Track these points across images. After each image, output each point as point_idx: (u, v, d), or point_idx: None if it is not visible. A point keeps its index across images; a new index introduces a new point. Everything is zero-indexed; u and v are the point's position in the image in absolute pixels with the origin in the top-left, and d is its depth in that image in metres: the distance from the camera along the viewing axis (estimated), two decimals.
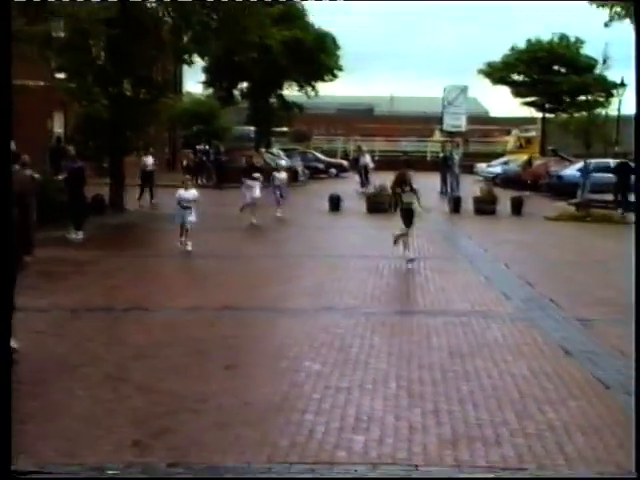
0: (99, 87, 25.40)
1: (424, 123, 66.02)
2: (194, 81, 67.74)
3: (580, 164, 34.06)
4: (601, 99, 58.22)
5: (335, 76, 53.37)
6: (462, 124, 33.08)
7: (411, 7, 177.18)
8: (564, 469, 6.01)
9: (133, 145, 27.36)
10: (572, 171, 35.57)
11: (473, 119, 46.75)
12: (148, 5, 26.13)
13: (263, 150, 34.13)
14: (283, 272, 15.33)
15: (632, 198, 28.16)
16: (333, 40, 51.49)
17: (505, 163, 49.20)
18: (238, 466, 5.94)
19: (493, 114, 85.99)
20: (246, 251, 18.31)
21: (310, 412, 7.13)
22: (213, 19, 25.96)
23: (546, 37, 60.85)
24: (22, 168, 9.55)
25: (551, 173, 38.82)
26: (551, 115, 62.22)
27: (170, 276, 15.22)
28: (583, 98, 59.90)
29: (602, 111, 55.05)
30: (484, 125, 67.52)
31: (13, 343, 7.46)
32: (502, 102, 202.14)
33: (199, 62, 31.82)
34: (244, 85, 52.81)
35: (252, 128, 54.97)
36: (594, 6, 32.32)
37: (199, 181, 37.38)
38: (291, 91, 53.79)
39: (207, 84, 53.33)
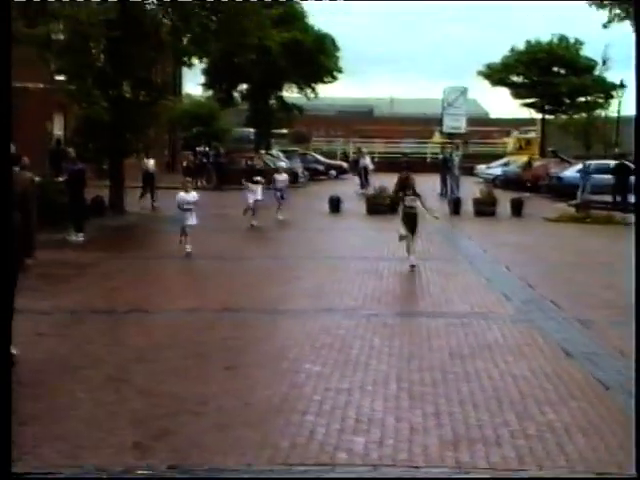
0: (99, 89, 25.40)
1: (424, 125, 66.04)
2: (194, 83, 67.83)
3: (580, 165, 34.11)
4: (600, 100, 58.33)
5: (335, 78, 53.45)
6: (462, 126, 33.18)
7: (411, 8, 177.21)
8: (565, 470, 6.02)
9: (133, 147, 27.36)
10: (572, 172, 35.59)
11: (473, 120, 46.80)
12: (147, 7, 26.14)
13: (263, 152, 34.13)
14: (283, 274, 15.32)
15: (632, 199, 28.19)
16: (332, 42, 51.55)
17: (505, 164, 49.20)
18: (239, 468, 5.94)
19: (493, 115, 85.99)
20: (246, 253, 18.30)
21: (311, 413, 7.13)
22: (212, 21, 26.00)
23: (545, 38, 60.99)
24: (22, 170, 9.54)
25: (551, 174, 38.81)
26: (551, 116, 62.30)
27: (170, 278, 15.22)
28: (583, 99, 60.02)
29: (602, 112, 55.25)
30: (484, 126, 67.48)
31: (12, 350, 7.46)
32: (502, 103, 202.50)
33: (198, 64, 31.82)
34: (244, 87, 52.88)
35: (252, 130, 55.02)
36: (593, 7, 32.36)
37: (199, 183, 37.38)
38: (291, 93, 53.89)
39: (207, 86, 53.38)
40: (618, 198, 29.78)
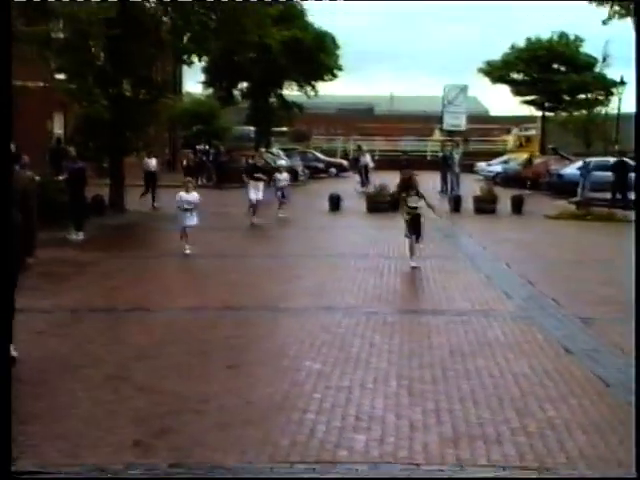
0: (99, 88, 25.40)
1: (424, 122, 66.00)
2: (194, 81, 67.80)
3: (580, 163, 34.10)
4: (601, 97, 58.37)
5: (335, 76, 53.39)
6: (462, 123, 33.18)
7: (410, 6, 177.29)
8: (565, 467, 6.02)
9: (133, 146, 27.35)
10: (572, 170, 35.56)
11: (473, 118, 46.83)
12: (147, 5, 26.13)
13: (263, 150, 34.11)
14: (284, 272, 15.33)
15: (632, 196, 28.19)
16: (332, 39, 51.50)
17: (505, 162, 49.20)
18: (240, 466, 5.95)
19: (493, 113, 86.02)
20: (247, 251, 18.31)
21: (311, 411, 7.14)
22: (212, 19, 25.97)
23: (546, 35, 60.99)
24: (22, 169, 9.54)
25: (551, 172, 38.81)
26: (551, 114, 62.33)
27: (171, 276, 15.22)
28: (583, 96, 60.07)
29: (602, 109, 55.26)
30: (484, 124, 67.47)
31: (12, 352, 7.47)
32: (502, 101, 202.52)
33: (198, 62, 31.78)
34: (244, 85, 52.83)
35: (252, 128, 54.99)
36: (594, 4, 32.34)
37: (199, 181, 37.37)
38: (291, 91, 53.85)
39: (207, 84, 53.35)
40: (618, 195, 29.76)
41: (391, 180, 29.82)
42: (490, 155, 54.88)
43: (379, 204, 26.89)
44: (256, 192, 23.39)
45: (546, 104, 61.98)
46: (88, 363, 8.60)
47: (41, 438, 6.39)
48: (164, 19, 26.35)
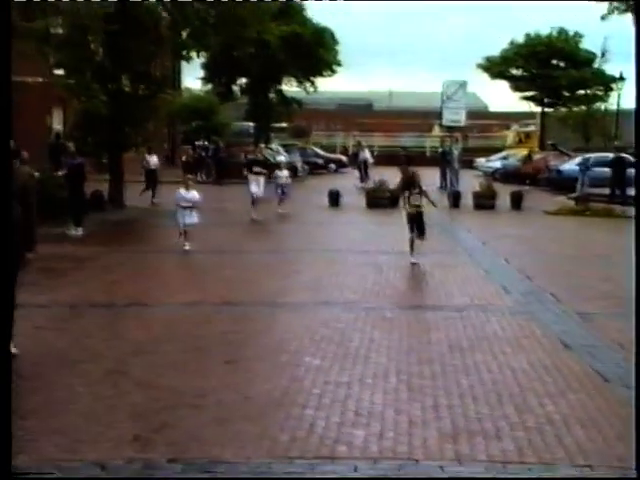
0: (98, 83, 25.36)
1: (423, 118, 65.97)
2: (193, 77, 67.61)
3: (579, 158, 34.11)
4: (600, 93, 58.38)
5: (334, 71, 53.34)
6: (461, 119, 33.11)
7: (409, 2, 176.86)
8: (564, 462, 6.02)
9: (132, 141, 27.32)
10: (571, 165, 35.57)
11: (472, 114, 46.68)
12: (146, 1, 26.08)
13: (262, 146, 34.05)
14: (283, 267, 15.33)
15: (631, 192, 28.19)
16: (332, 35, 51.44)
17: (504, 158, 49.17)
18: (238, 461, 5.95)
19: (492, 109, 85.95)
20: (245, 246, 18.31)
21: (310, 407, 7.14)
22: (211, 15, 25.93)
23: (545, 31, 60.95)
24: (22, 164, 9.53)
25: (550, 167, 38.80)
26: (550, 109, 62.34)
27: (169, 272, 15.22)
28: (582, 92, 60.07)
29: (601, 105, 55.26)
30: (483, 120, 67.43)
31: (12, 349, 7.46)
32: (501, 97, 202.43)
33: (198, 58, 31.74)
34: (243, 81, 52.76)
35: (251, 124, 54.93)
36: (593, 2, 32.31)
37: (198, 177, 37.36)
38: (290, 87, 53.78)
39: (206, 80, 53.28)
40: (617, 191, 29.77)
41: (390, 176, 29.88)
42: (489, 151, 54.84)
43: (378, 200, 26.88)
44: (257, 186, 23.41)
45: (545, 100, 61.99)
46: (86, 358, 8.60)
47: (39, 433, 6.39)
48: (163, 15, 26.31)
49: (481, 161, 50.64)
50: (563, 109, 60.64)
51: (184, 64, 39.97)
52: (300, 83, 52.96)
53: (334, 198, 28.03)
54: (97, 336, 9.67)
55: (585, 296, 12.60)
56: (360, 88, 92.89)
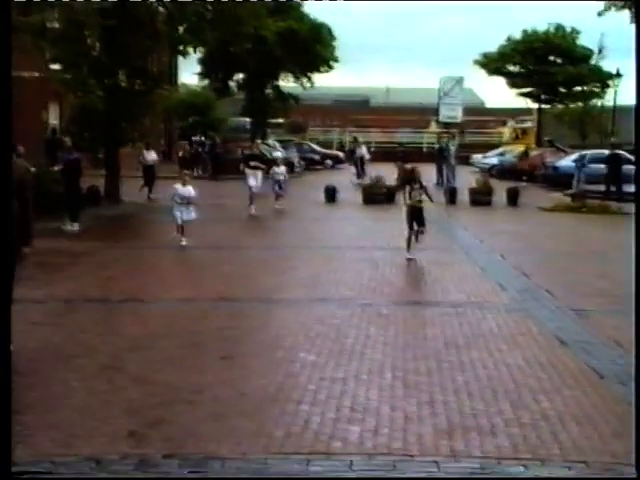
0: (94, 78, 25.32)
1: (420, 114, 65.93)
2: (189, 72, 67.66)
3: (576, 155, 34.13)
4: (597, 90, 58.40)
5: (331, 67, 53.32)
6: (458, 115, 33.18)
7: None
8: (558, 458, 6.03)
9: (128, 136, 27.30)
10: (568, 162, 35.60)
11: (469, 110, 46.79)
12: None
13: (259, 141, 34.10)
14: (279, 263, 15.33)
15: (628, 188, 28.25)
16: (328, 31, 51.41)
17: (501, 154, 49.16)
18: (234, 456, 5.95)
19: (489, 105, 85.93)
20: (242, 242, 18.31)
21: (306, 403, 7.14)
22: (208, 10, 25.91)
23: (542, 28, 60.98)
24: (18, 159, 9.52)
25: (547, 164, 38.82)
26: (547, 106, 62.38)
27: (166, 267, 15.22)
28: (579, 89, 60.11)
29: (598, 102, 55.27)
30: (480, 116, 67.41)
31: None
32: (498, 93, 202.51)
33: (194, 53, 31.70)
34: (240, 76, 52.75)
35: (248, 119, 54.90)
36: None
37: (195, 172, 37.33)
38: (287, 82, 53.77)
39: (202, 75, 53.24)
40: (612, 188, 29.81)
41: (387, 172, 29.93)
42: (486, 147, 54.82)
43: (375, 196, 26.89)
44: (255, 180, 23.41)
45: (542, 96, 62.03)
46: (82, 353, 8.60)
47: (35, 428, 6.39)
48: (160, 9, 26.27)
49: (477, 157, 50.64)
50: (560, 105, 60.68)
51: (181, 59, 40.12)
52: (297, 79, 52.93)
53: (330, 194, 28.02)
54: (93, 331, 9.66)
55: (581, 293, 12.61)
56: (357, 84, 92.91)
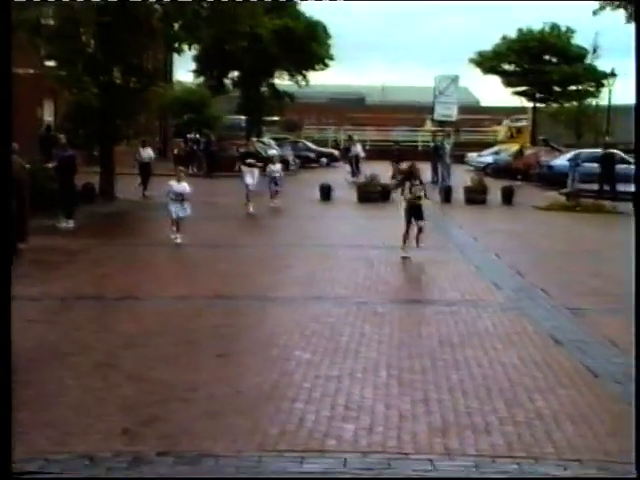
0: (89, 75, 25.26)
1: (415, 113, 65.89)
2: (185, 70, 67.45)
3: (571, 154, 34.18)
4: (591, 89, 58.48)
5: (326, 65, 53.31)
6: (453, 114, 33.07)
7: None
8: (553, 457, 6.04)
9: (123, 134, 27.24)
10: (562, 161, 35.62)
11: (464, 109, 46.73)
12: None
13: (254, 139, 34.03)
14: (274, 261, 15.32)
15: (623, 188, 28.28)
16: (324, 29, 51.39)
17: (496, 153, 49.14)
18: (228, 454, 5.95)
19: (484, 104, 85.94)
20: (237, 240, 18.29)
21: (300, 401, 7.15)
22: (204, 7, 25.86)
23: (537, 27, 61.00)
24: (14, 156, 9.52)
25: (542, 163, 38.83)
26: (542, 105, 62.40)
27: (161, 265, 15.20)
28: (574, 88, 60.16)
29: (592, 101, 55.35)
30: (475, 115, 67.42)
31: None
32: (493, 92, 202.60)
33: (189, 51, 31.68)
34: (235, 74, 52.69)
35: (243, 117, 54.86)
36: None
37: (190, 170, 37.30)
38: (282, 80, 53.73)
39: (198, 73, 53.20)
40: (605, 187, 29.84)
41: (382, 170, 29.93)
42: (481, 146, 54.78)
43: (370, 194, 26.89)
44: (252, 177, 23.38)
45: (537, 95, 62.06)
46: (77, 351, 8.59)
47: (30, 426, 6.38)
48: (155, 7, 26.22)
49: (472, 156, 50.62)
50: (555, 105, 60.76)
51: (176, 57, 39.92)
52: (292, 77, 52.91)
53: (325, 192, 28.00)
54: (88, 329, 9.65)
55: (575, 292, 12.62)
56: (352, 82, 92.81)
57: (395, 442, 6.28)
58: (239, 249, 16.80)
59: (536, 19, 76.13)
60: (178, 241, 16.59)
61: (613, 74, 46.27)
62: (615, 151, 32.31)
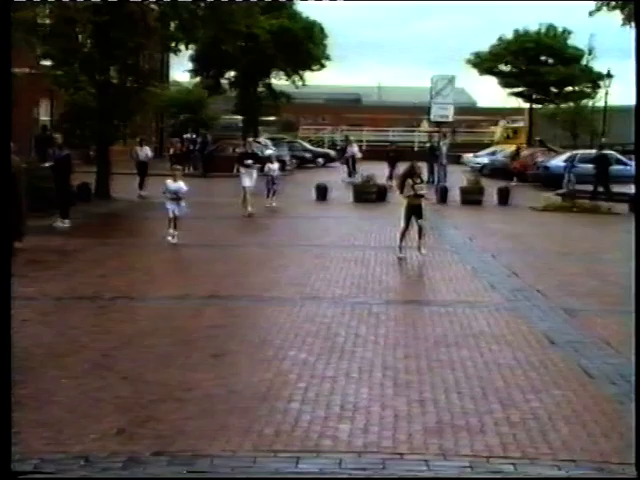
0: (85, 75, 25.26)
1: (412, 113, 66.02)
2: (181, 70, 67.42)
3: (567, 155, 34.25)
4: (588, 90, 58.58)
5: (323, 65, 53.39)
6: (449, 114, 33.08)
7: None
8: (548, 457, 6.04)
9: (120, 133, 27.25)
10: (558, 162, 35.69)
11: (460, 109, 46.70)
12: None
13: (251, 139, 34.03)
14: (270, 261, 15.31)
15: (618, 189, 28.35)
16: (321, 29, 51.46)
17: (492, 153, 49.21)
18: (224, 454, 5.94)
19: (480, 104, 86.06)
20: (233, 240, 18.29)
21: (296, 401, 7.14)
22: (200, 7, 25.88)
23: (534, 28, 61.11)
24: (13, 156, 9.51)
25: (538, 164, 38.89)
26: (538, 106, 62.51)
27: (157, 265, 15.18)
28: (570, 89, 60.26)
29: (589, 102, 55.44)
30: (471, 115, 67.55)
31: None
32: (490, 92, 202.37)
33: (186, 51, 31.68)
34: (231, 74, 52.76)
35: (239, 117, 54.88)
36: None
37: (186, 170, 37.27)
38: (279, 80, 53.77)
39: (194, 73, 53.26)
40: (599, 188, 29.90)
41: (378, 171, 29.95)
42: (477, 146, 54.89)
43: (366, 194, 26.91)
44: (250, 180, 23.35)
45: (534, 96, 62.17)
46: (73, 351, 8.58)
47: (25, 426, 6.36)
48: (152, 6, 26.22)
49: (469, 156, 50.68)
50: (551, 105, 60.83)
51: (172, 56, 39.94)
52: (289, 77, 52.95)
53: (322, 193, 28.00)
54: (83, 329, 9.63)
55: (571, 293, 12.62)
56: (349, 82, 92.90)
57: (390, 442, 6.28)
58: (235, 249, 16.79)
59: (533, 20, 76.25)
60: (174, 241, 16.56)
61: (609, 75, 46.35)
62: (609, 152, 32.38)
